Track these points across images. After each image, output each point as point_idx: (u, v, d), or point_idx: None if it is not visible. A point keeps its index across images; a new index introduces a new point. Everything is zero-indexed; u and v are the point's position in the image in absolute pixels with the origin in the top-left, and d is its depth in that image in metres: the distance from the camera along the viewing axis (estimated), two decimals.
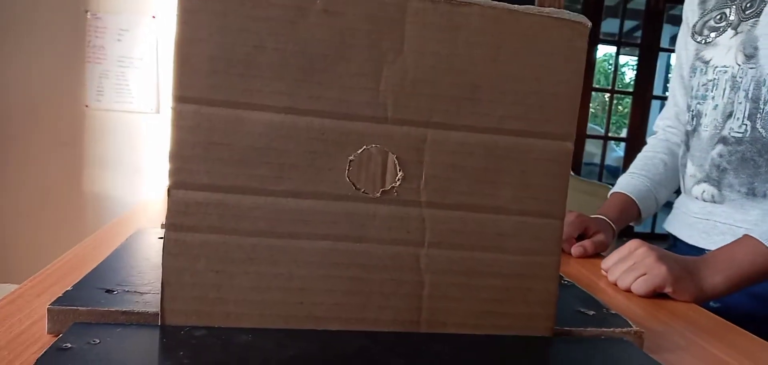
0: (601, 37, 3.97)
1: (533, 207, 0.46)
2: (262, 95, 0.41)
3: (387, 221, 0.44)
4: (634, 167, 1.08)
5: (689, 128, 0.94)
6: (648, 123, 3.92)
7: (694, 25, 0.96)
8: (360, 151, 0.43)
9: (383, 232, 0.44)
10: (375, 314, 0.44)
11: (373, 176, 0.44)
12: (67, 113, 2.14)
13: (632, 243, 0.72)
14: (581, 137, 3.80)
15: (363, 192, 0.43)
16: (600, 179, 4.05)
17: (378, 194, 0.44)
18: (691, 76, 0.96)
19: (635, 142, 3.86)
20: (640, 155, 1.10)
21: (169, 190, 0.41)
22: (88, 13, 2.10)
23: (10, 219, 2.12)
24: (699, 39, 0.94)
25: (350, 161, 0.43)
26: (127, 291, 0.46)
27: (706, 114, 0.89)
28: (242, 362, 0.38)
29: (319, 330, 0.44)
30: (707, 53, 0.91)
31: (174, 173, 0.41)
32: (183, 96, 0.41)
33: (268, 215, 0.42)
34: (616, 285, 0.71)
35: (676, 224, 0.98)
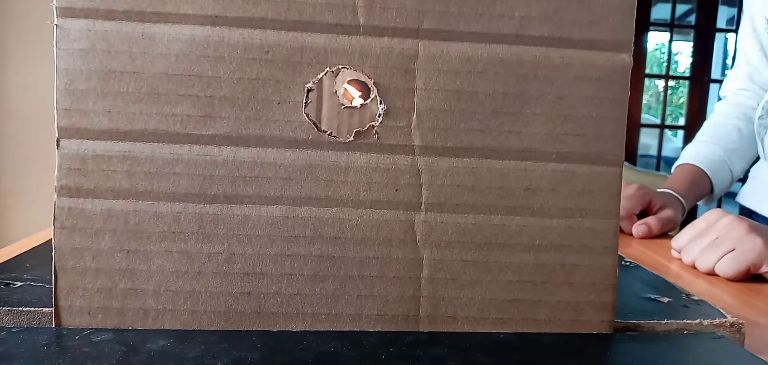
0: (652, 21, 3.70)
1: (577, 148, 0.32)
2: (178, 1, 0.29)
3: (365, 175, 0.31)
4: (702, 135, 0.91)
5: None
6: (707, 110, 3.64)
7: None
8: (321, 75, 0.30)
9: (361, 191, 0.31)
10: (354, 307, 0.32)
11: (343, 112, 0.31)
12: None
13: (712, 214, 0.56)
14: (635, 126, 3.54)
15: (329, 135, 0.31)
16: (658, 171, 3.77)
17: (351, 138, 0.31)
18: None
19: (694, 130, 3.57)
20: (707, 123, 0.93)
21: (57, 140, 0.30)
22: None
23: (12, 220, 2.10)
24: None
25: (308, 90, 0.30)
26: (33, 284, 0.35)
27: None
28: None
29: (275, 331, 0.31)
30: None
31: (63, 115, 0.30)
32: (69, 8, 0.29)
33: (195, 170, 0.30)
34: (693, 267, 0.55)
35: (755, 197, 0.81)
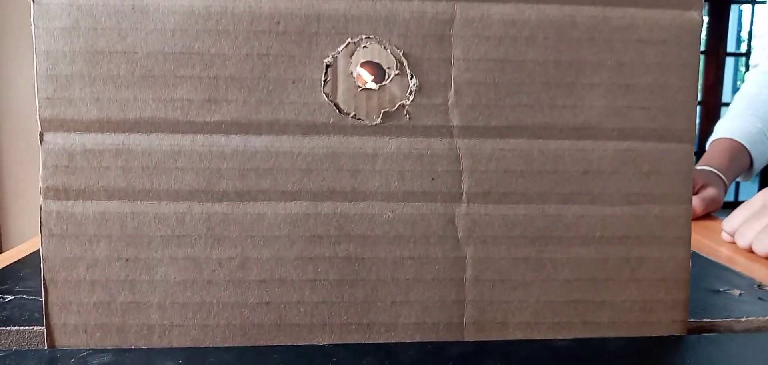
0: None
1: (641, 123, 0.27)
2: None
3: (397, 163, 0.27)
4: (735, 107, 0.85)
5: None
6: (722, 84, 3.54)
7: None
8: (342, 48, 0.26)
9: (392, 182, 0.27)
10: (388, 316, 0.27)
11: (369, 90, 0.27)
12: None
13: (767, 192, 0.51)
14: None
15: (353, 117, 0.26)
16: None
17: (378, 120, 0.26)
18: None
19: (710, 104, 3.49)
20: (740, 94, 0.87)
21: (40, 135, 0.26)
22: None
23: (17, 224, 2.08)
24: None
25: (327, 65, 0.26)
26: (26, 297, 0.31)
27: None
28: None
29: (298, 345, 0.27)
30: None
31: (46, 105, 0.25)
32: None
33: (200, 164, 0.26)
34: (750, 251, 0.50)
35: None
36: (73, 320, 0.27)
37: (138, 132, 0.26)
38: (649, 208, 0.28)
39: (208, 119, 0.26)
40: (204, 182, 0.26)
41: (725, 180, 0.72)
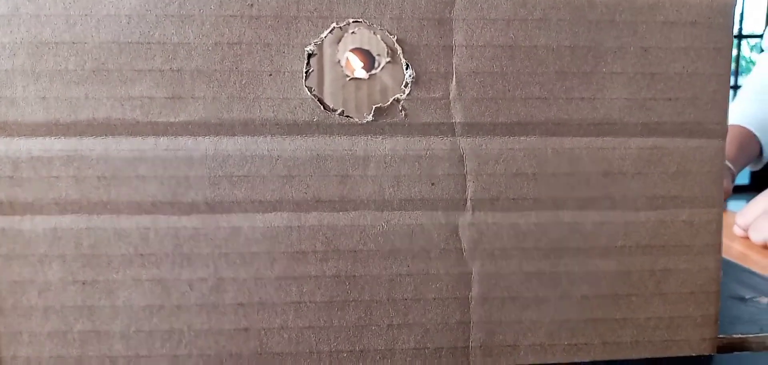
0: None
1: (668, 117, 0.24)
2: None
3: (391, 166, 0.23)
4: (745, 92, 0.82)
5: None
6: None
7: None
8: (326, 33, 0.22)
9: (386, 188, 0.23)
10: (384, 341, 0.24)
11: (358, 80, 0.23)
12: None
13: None
14: None
15: (340, 114, 0.23)
16: None
17: (369, 117, 0.23)
18: None
19: None
20: (750, 78, 0.84)
21: None
22: None
23: None
24: None
25: (309, 55, 0.22)
26: None
27: None
28: None
29: None
30: None
31: None
32: None
33: (165, 171, 0.23)
34: (765, 247, 0.47)
35: None
36: (24, 352, 0.23)
37: (92, 136, 0.22)
38: (676, 213, 0.25)
39: (172, 119, 0.22)
40: (169, 192, 0.23)
41: (733, 169, 0.69)
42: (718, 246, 0.25)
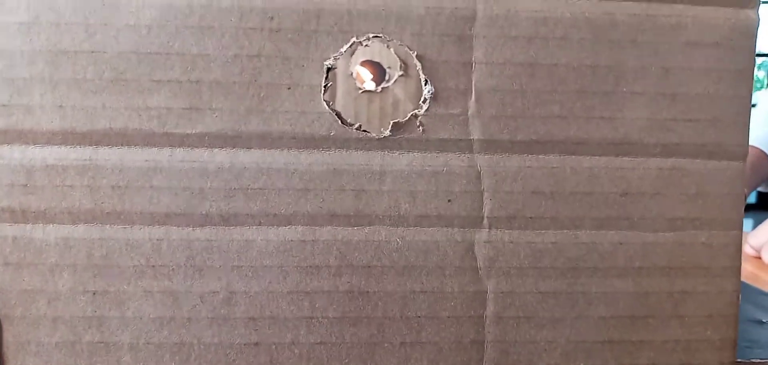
0: None
1: (689, 139, 0.24)
2: None
3: (408, 182, 0.23)
4: (756, 113, 0.82)
5: None
6: None
7: None
8: (345, 48, 0.22)
9: (402, 204, 0.23)
10: (396, 359, 0.24)
11: (375, 98, 0.23)
12: None
13: None
14: None
15: (357, 129, 0.23)
16: None
17: (387, 132, 0.23)
18: None
19: None
20: (764, 96, 0.84)
21: None
22: None
23: None
24: None
25: (328, 69, 0.22)
26: None
27: None
28: None
29: None
30: None
31: (0, 114, 0.22)
32: None
33: (179, 182, 0.22)
34: None
35: None
36: (32, 362, 0.23)
37: (107, 145, 0.22)
38: (695, 235, 0.24)
39: (188, 131, 0.22)
40: (184, 203, 0.22)
41: (746, 190, 0.69)
42: (737, 269, 0.25)
